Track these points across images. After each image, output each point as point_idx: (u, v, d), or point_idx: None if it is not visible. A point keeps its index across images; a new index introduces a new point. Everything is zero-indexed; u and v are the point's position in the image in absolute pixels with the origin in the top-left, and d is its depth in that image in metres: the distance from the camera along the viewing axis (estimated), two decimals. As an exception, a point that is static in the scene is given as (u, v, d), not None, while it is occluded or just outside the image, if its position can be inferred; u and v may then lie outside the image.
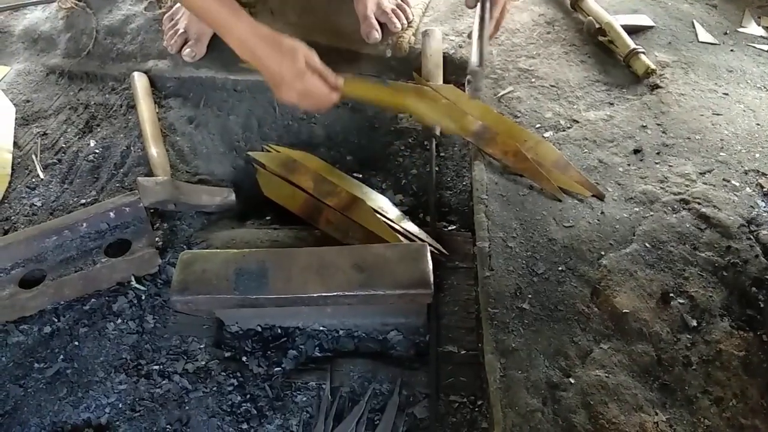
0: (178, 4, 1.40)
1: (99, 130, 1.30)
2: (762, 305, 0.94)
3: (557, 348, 0.90)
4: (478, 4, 1.21)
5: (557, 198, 1.08)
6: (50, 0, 1.58)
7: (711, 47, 1.35)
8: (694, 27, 1.39)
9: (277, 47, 1.02)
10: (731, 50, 1.34)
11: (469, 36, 1.25)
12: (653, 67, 1.26)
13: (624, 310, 0.93)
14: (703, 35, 1.37)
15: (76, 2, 1.51)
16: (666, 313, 0.93)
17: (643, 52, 1.27)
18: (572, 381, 0.87)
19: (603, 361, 0.89)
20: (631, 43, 1.28)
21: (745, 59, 1.32)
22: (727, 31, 1.39)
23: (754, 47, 1.36)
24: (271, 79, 1.05)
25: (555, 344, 0.90)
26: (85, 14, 1.49)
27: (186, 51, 1.34)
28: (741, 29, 1.40)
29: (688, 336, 0.91)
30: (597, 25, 1.34)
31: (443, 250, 1.03)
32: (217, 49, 1.36)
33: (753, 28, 1.40)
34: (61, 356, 0.99)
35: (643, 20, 1.38)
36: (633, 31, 1.34)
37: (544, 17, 1.42)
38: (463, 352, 0.94)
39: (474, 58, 1.18)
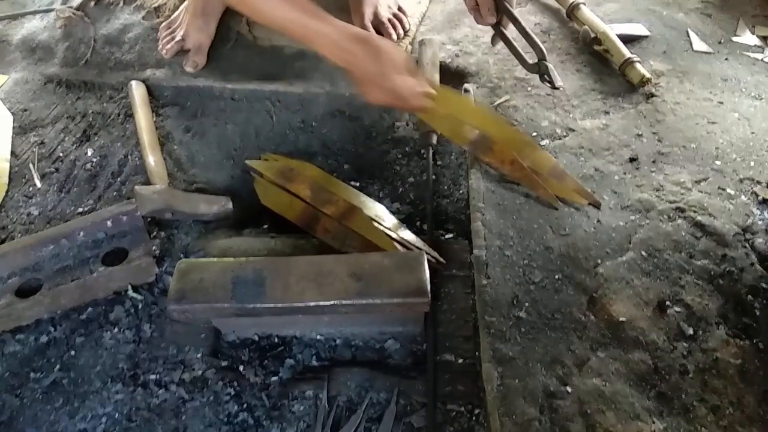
0: (176, 13, 1.41)
1: (96, 138, 1.31)
2: (758, 313, 0.95)
3: (554, 356, 0.90)
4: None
5: (554, 206, 1.08)
6: (48, 9, 1.59)
7: (706, 56, 1.36)
8: (688, 36, 1.40)
9: (370, 47, 1.00)
10: (726, 59, 1.35)
11: (500, 41, 1.24)
12: (648, 76, 1.27)
13: (621, 319, 0.93)
14: (698, 44, 1.38)
15: (75, 12, 1.51)
16: (662, 322, 0.94)
17: (639, 61, 1.28)
18: (569, 389, 0.87)
19: (600, 369, 0.89)
20: (626, 53, 1.29)
21: (740, 68, 1.33)
22: (722, 41, 1.40)
23: (748, 56, 1.37)
24: (361, 79, 1.03)
25: (552, 352, 0.90)
26: (83, 23, 1.50)
27: (188, 62, 1.35)
28: (735, 38, 1.41)
29: (685, 344, 0.91)
30: (592, 35, 1.35)
31: (440, 259, 1.04)
32: (215, 58, 1.37)
33: (747, 37, 1.41)
34: (58, 366, 0.98)
35: (638, 30, 1.39)
36: (628, 40, 1.35)
37: (540, 26, 1.43)
38: (460, 360, 0.94)
39: (529, 56, 1.18)
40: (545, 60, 1.15)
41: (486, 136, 1.15)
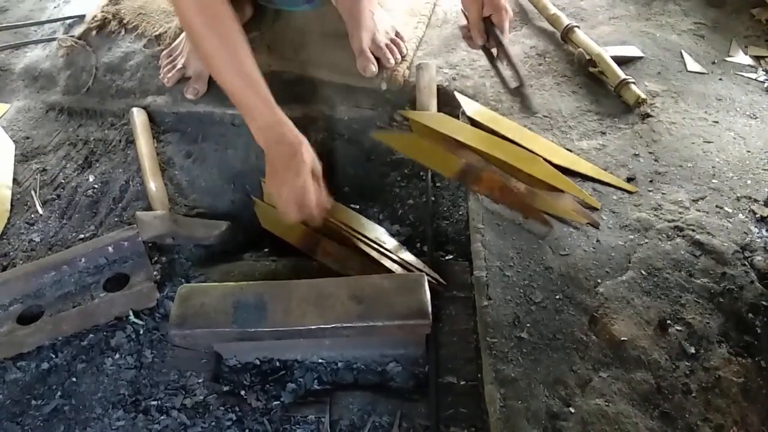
0: (177, 41, 1.43)
1: (98, 165, 1.32)
2: (759, 331, 0.95)
3: (556, 377, 0.90)
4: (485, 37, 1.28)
5: (548, 225, 1.09)
6: (51, 38, 1.61)
7: (700, 76, 1.38)
8: (682, 57, 1.42)
9: (293, 153, 1.05)
10: (720, 79, 1.37)
11: (491, 62, 1.32)
12: (644, 96, 1.28)
13: (622, 338, 0.93)
14: (692, 65, 1.40)
15: (76, 40, 1.53)
16: (664, 341, 0.94)
17: (634, 82, 1.30)
18: (572, 410, 0.86)
19: (603, 389, 0.88)
20: (621, 74, 1.31)
21: (734, 88, 1.35)
22: (715, 61, 1.42)
23: (742, 76, 1.38)
24: (270, 171, 1.07)
25: (554, 373, 0.90)
26: (85, 52, 1.52)
27: (189, 90, 1.36)
28: (729, 58, 1.43)
29: (687, 363, 0.91)
30: (587, 57, 1.36)
31: (441, 280, 1.04)
32: (215, 85, 1.38)
33: (740, 57, 1.43)
34: (59, 393, 0.98)
35: (632, 51, 1.41)
36: (623, 62, 1.37)
37: (535, 49, 1.45)
38: (462, 382, 0.94)
39: (508, 81, 1.27)
40: (522, 87, 1.25)
41: (473, 165, 1.17)
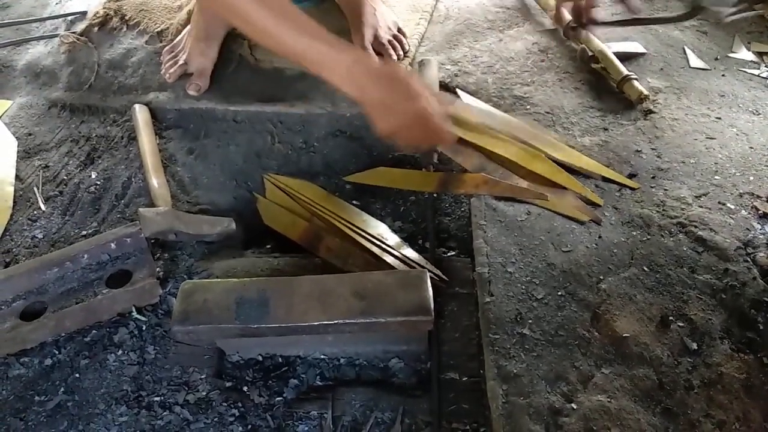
0: (179, 38, 1.43)
1: (100, 161, 1.32)
2: (761, 327, 0.95)
3: (558, 373, 0.90)
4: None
5: (543, 197, 1.09)
6: (53, 35, 1.61)
7: (702, 73, 1.37)
8: (685, 53, 1.42)
9: (389, 79, 0.95)
10: (722, 75, 1.37)
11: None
12: (646, 92, 1.28)
13: (624, 334, 0.93)
14: (695, 61, 1.40)
15: (78, 37, 1.53)
16: (666, 337, 0.94)
17: (636, 79, 1.30)
18: (574, 406, 0.86)
19: (605, 385, 0.89)
20: (623, 70, 1.31)
21: (737, 84, 1.35)
22: (718, 57, 1.41)
23: (744, 72, 1.38)
24: (381, 110, 0.97)
25: (556, 369, 0.90)
26: (87, 48, 1.52)
27: (191, 86, 1.36)
28: (731, 55, 1.43)
29: (689, 359, 0.91)
30: (590, 53, 1.36)
31: (443, 276, 1.04)
32: (217, 81, 1.39)
33: (743, 53, 1.43)
34: (62, 389, 0.98)
35: (634, 47, 1.41)
36: (625, 58, 1.36)
37: (537, 45, 1.45)
38: (465, 378, 0.94)
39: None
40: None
41: (451, 174, 1.19)
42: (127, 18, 1.55)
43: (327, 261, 1.10)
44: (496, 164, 1.18)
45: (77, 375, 1.00)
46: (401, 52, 1.38)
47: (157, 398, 0.96)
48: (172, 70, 1.38)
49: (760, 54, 1.43)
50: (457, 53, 1.42)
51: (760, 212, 1.08)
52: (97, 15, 1.56)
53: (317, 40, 0.93)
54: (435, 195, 1.20)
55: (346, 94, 0.97)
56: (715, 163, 1.17)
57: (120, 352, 1.02)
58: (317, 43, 0.93)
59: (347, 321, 0.88)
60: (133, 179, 1.26)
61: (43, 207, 1.24)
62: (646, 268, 1.01)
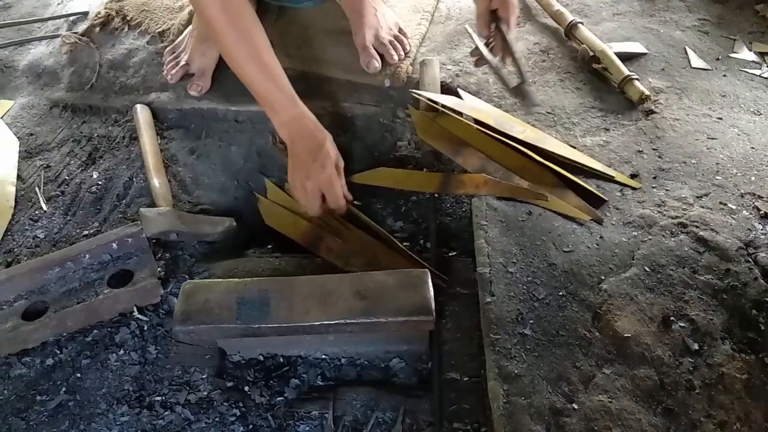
0: (180, 38, 1.43)
1: (102, 161, 1.32)
2: (763, 328, 0.95)
3: (560, 373, 0.90)
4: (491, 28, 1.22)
5: (544, 197, 1.09)
6: (54, 35, 1.61)
7: (704, 73, 1.37)
8: (686, 53, 1.42)
9: (317, 145, 1.09)
10: (724, 75, 1.37)
11: (479, 60, 1.25)
12: (647, 93, 1.28)
13: (625, 335, 0.93)
14: (696, 61, 1.40)
15: (80, 37, 1.54)
16: (667, 337, 0.94)
17: (637, 79, 1.30)
18: (575, 406, 0.86)
19: (606, 385, 0.88)
20: (625, 70, 1.31)
21: (738, 84, 1.34)
22: (719, 57, 1.41)
23: (746, 72, 1.38)
24: (295, 164, 1.10)
25: (557, 369, 0.90)
26: (89, 49, 1.52)
27: (192, 86, 1.36)
28: (733, 55, 1.42)
29: (690, 359, 0.91)
30: (591, 53, 1.36)
31: (443, 277, 1.04)
32: (218, 81, 1.39)
33: (745, 54, 1.43)
34: (64, 388, 0.98)
35: (636, 47, 1.41)
36: (626, 58, 1.36)
37: (539, 46, 1.45)
38: (465, 378, 0.94)
39: (515, 77, 1.19)
40: (524, 83, 1.18)
41: (450, 174, 1.20)
42: (128, 18, 1.55)
43: (328, 261, 1.10)
44: (497, 164, 1.18)
45: (79, 375, 1.00)
46: (402, 53, 1.38)
47: (159, 398, 0.97)
48: (173, 71, 1.38)
49: (761, 54, 1.42)
50: (459, 53, 1.42)
51: (761, 212, 1.08)
52: (99, 15, 1.56)
53: (278, 85, 1.08)
54: (436, 195, 1.20)
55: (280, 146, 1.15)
56: (717, 164, 1.16)
57: (121, 351, 1.02)
58: (276, 88, 1.08)
59: (348, 321, 0.88)
60: (134, 179, 1.26)
61: (44, 207, 1.24)
62: (647, 269, 1.01)
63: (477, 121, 1.23)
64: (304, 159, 1.08)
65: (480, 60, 1.25)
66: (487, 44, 1.22)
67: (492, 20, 1.19)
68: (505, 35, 1.18)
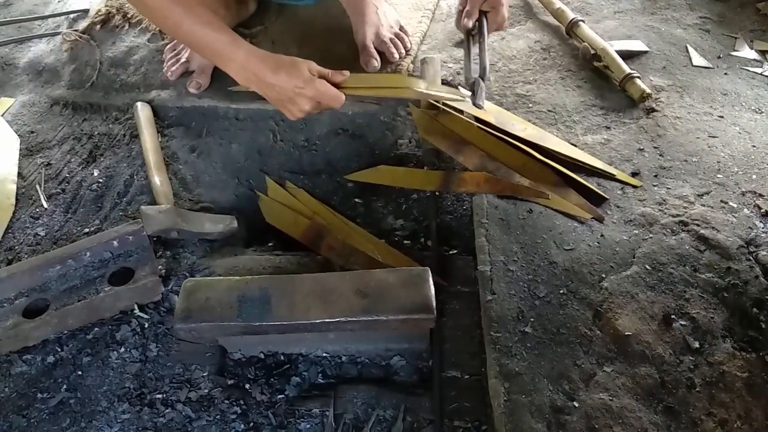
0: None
1: (102, 159, 1.32)
2: (764, 326, 0.95)
3: (560, 371, 0.90)
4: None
5: (544, 195, 1.09)
6: (55, 33, 1.61)
7: (705, 71, 1.37)
8: (687, 51, 1.41)
9: (278, 65, 1.03)
10: (725, 74, 1.36)
11: (466, 49, 1.27)
12: (648, 91, 1.28)
13: (626, 333, 0.93)
14: (697, 59, 1.39)
15: (80, 35, 1.54)
16: (668, 335, 0.94)
17: (639, 77, 1.29)
18: (576, 405, 0.86)
19: (607, 384, 0.89)
20: (626, 68, 1.30)
21: (739, 82, 1.34)
22: (721, 55, 1.41)
23: (747, 70, 1.38)
24: (278, 98, 1.06)
25: (558, 368, 0.90)
26: (89, 46, 1.52)
27: (191, 83, 1.36)
28: (734, 53, 1.42)
29: (691, 358, 0.91)
30: (592, 51, 1.36)
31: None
32: (219, 79, 1.38)
33: (746, 52, 1.43)
34: (65, 386, 0.98)
35: (637, 46, 1.41)
36: (628, 56, 1.36)
37: (540, 44, 1.45)
38: (466, 376, 0.94)
39: (474, 70, 1.20)
40: (483, 79, 1.18)
41: (451, 172, 1.19)
42: (129, 16, 1.55)
43: (329, 259, 1.10)
44: (497, 163, 1.18)
45: (80, 372, 1.00)
46: (403, 51, 1.38)
47: (160, 396, 0.97)
48: (174, 68, 1.38)
49: (762, 52, 1.42)
50: (460, 51, 1.42)
51: (762, 211, 1.08)
52: (99, 13, 1.56)
53: (216, 33, 1.02)
54: (437, 193, 1.20)
55: (244, 88, 1.08)
56: (718, 162, 1.16)
57: (122, 349, 1.02)
58: (216, 36, 1.02)
59: (349, 319, 0.88)
60: (135, 177, 1.26)
61: (45, 204, 1.24)
62: (648, 267, 1.01)
63: (478, 119, 1.23)
64: (274, 87, 1.04)
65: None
66: (469, 32, 1.26)
67: (478, 18, 1.23)
68: (484, 37, 1.21)
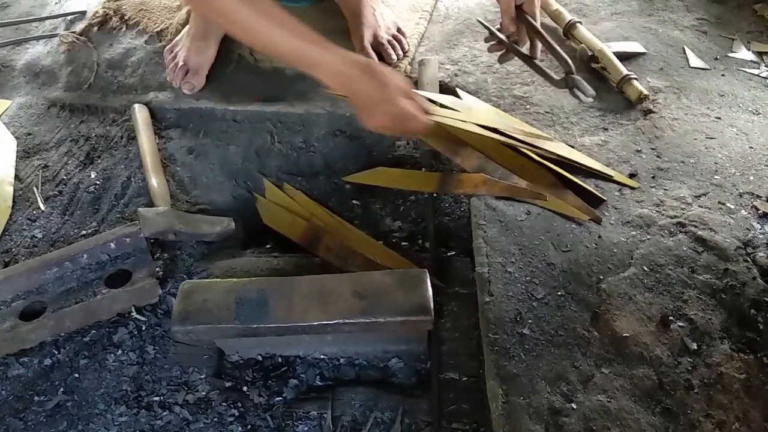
0: (178, 37, 1.43)
1: (100, 161, 1.32)
2: (761, 327, 0.95)
3: (558, 373, 0.90)
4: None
5: (542, 197, 1.09)
6: (52, 34, 1.61)
7: (702, 72, 1.37)
8: (685, 53, 1.42)
9: (371, 73, 0.99)
10: (722, 75, 1.37)
11: (509, 59, 1.19)
12: (646, 92, 1.28)
13: (624, 334, 0.93)
14: (694, 61, 1.40)
15: (78, 36, 1.53)
16: (666, 337, 0.94)
17: (636, 78, 1.30)
18: (574, 406, 0.86)
19: (604, 385, 0.88)
20: (623, 70, 1.31)
21: (736, 83, 1.35)
22: (718, 57, 1.41)
23: (744, 72, 1.38)
24: (363, 104, 1.02)
25: (556, 369, 0.90)
26: (87, 48, 1.52)
27: (185, 84, 1.35)
28: (731, 54, 1.42)
29: (689, 359, 0.91)
30: (590, 53, 1.36)
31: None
32: (217, 80, 1.38)
33: (743, 53, 1.43)
34: (62, 389, 0.98)
35: (634, 47, 1.41)
36: (625, 57, 1.36)
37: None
38: (464, 378, 0.94)
39: (557, 69, 1.12)
40: (573, 73, 1.09)
41: (448, 174, 1.19)
42: (126, 18, 1.55)
43: (327, 261, 1.10)
44: (495, 164, 1.18)
45: (77, 375, 1.00)
46: (401, 52, 1.38)
47: (157, 398, 0.97)
48: (175, 73, 1.37)
49: (759, 54, 1.42)
50: (457, 53, 1.42)
51: (760, 212, 1.08)
52: (97, 15, 1.56)
53: (305, 40, 0.97)
54: (435, 195, 1.20)
55: (335, 92, 1.04)
56: (715, 163, 1.17)
57: (119, 352, 1.02)
58: (305, 43, 0.97)
59: (347, 321, 0.88)
60: (132, 179, 1.26)
61: (42, 207, 1.24)
62: (645, 268, 1.01)
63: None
64: (369, 102, 1.01)
65: (505, 55, 1.18)
66: (508, 39, 1.16)
67: (517, 15, 1.15)
68: (538, 28, 1.12)
